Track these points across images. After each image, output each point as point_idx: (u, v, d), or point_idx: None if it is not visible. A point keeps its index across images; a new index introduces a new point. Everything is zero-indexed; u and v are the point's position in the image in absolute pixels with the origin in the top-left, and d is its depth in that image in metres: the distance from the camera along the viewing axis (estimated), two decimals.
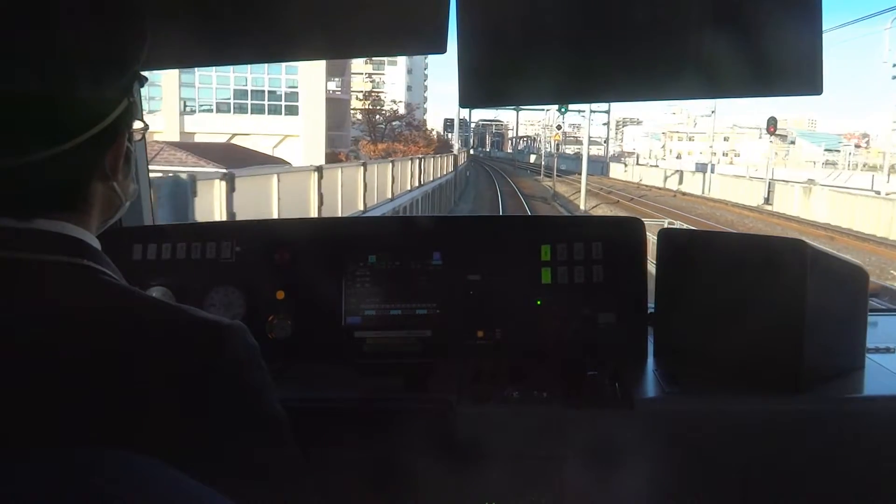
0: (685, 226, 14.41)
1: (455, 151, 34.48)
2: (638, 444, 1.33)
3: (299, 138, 29.83)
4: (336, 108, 39.74)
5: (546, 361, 1.49)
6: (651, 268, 1.61)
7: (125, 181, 0.82)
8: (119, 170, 0.79)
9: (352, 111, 51.05)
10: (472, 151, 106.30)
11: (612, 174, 55.12)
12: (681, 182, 40.84)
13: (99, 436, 0.65)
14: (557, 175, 47.55)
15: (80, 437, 0.64)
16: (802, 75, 1.11)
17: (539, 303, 1.60)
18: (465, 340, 1.59)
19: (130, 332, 0.70)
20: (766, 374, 1.36)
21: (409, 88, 71.63)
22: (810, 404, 1.33)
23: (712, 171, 40.09)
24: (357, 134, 49.13)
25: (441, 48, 1.25)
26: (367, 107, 53.77)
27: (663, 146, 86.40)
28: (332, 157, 30.32)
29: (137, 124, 0.83)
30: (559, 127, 44.10)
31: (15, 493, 0.52)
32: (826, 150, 68.83)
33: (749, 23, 1.10)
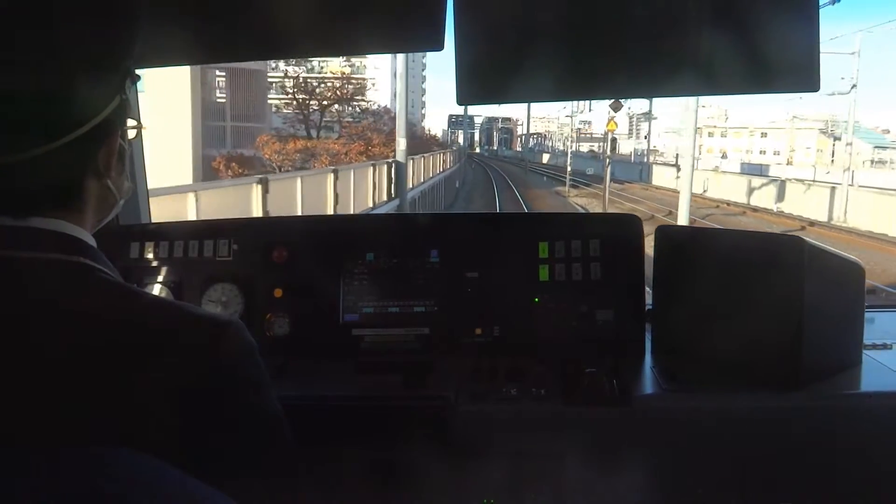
0: None
1: (399, 156, 16.01)
2: (636, 441, 1.33)
3: (144, 132, 18.47)
4: (248, 84, 26.56)
5: (544, 359, 1.49)
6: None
7: (119, 179, 0.82)
8: (112, 167, 0.79)
9: (286, 96, 34.01)
10: (478, 150, 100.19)
11: (656, 181, 37.74)
12: (780, 198, 24.86)
13: (98, 434, 0.65)
14: (581, 184, 33.35)
15: (79, 435, 0.64)
16: (800, 72, 1.11)
17: (537, 300, 1.60)
18: (463, 338, 1.59)
19: (128, 329, 0.70)
20: (763, 371, 1.36)
21: (395, 75, 61.06)
22: (808, 401, 1.33)
23: (850, 183, 22.92)
24: (280, 125, 31.31)
25: (438, 45, 1.25)
26: (300, 83, 33.12)
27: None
28: (210, 166, 21.23)
29: (132, 122, 0.84)
30: (618, 107, 25.30)
31: (15, 492, 0.52)
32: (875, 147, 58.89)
33: (746, 19, 1.10)
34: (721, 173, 33.69)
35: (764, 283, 1.38)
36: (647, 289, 1.61)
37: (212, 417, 0.71)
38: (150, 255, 1.65)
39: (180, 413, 0.68)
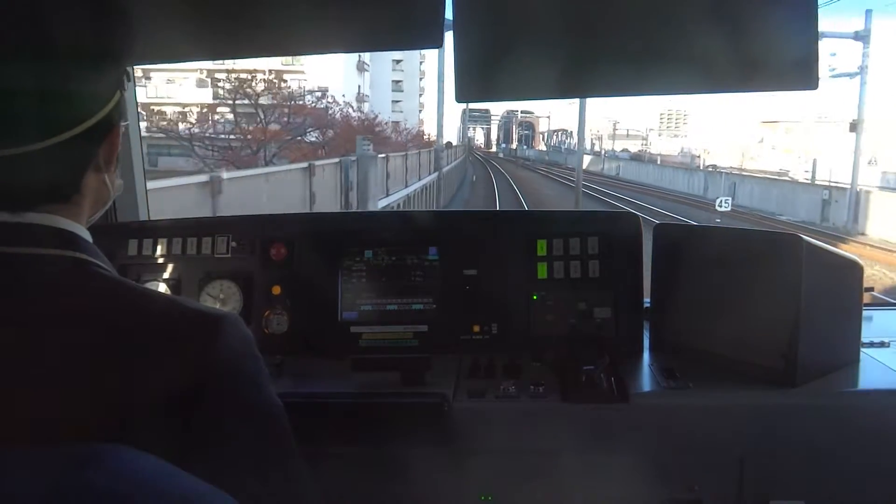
0: None
1: None
2: (634, 438, 1.33)
3: None
4: None
5: (542, 356, 1.50)
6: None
7: (113, 175, 0.82)
8: (112, 163, 0.80)
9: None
10: (495, 149, 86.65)
11: (876, 229, 16.61)
12: None
13: (96, 431, 0.64)
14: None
15: (77, 432, 0.64)
16: (798, 70, 1.10)
17: (535, 297, 1.60)
18: (461, 335, 1.59)
19: (125, 324, 0.70)
20: (761, 369, 1.37)
21: (363, 67, 38.45)
22: (805, 398, 1.33)
23: None
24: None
25: (437, 42, 1.24)
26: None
27: (761, 141, 51.02)
28: None
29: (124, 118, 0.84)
30: None
31: (14, 489, 0.52)
32: None
33: (744, 17, 1.10)
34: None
35: (762, 280, 1.38)
36: (646, 286, 1.61)
37: (210, 412, 0.71)
38: (149, 252, 1.65)
39: (178, 408, 0.68)
